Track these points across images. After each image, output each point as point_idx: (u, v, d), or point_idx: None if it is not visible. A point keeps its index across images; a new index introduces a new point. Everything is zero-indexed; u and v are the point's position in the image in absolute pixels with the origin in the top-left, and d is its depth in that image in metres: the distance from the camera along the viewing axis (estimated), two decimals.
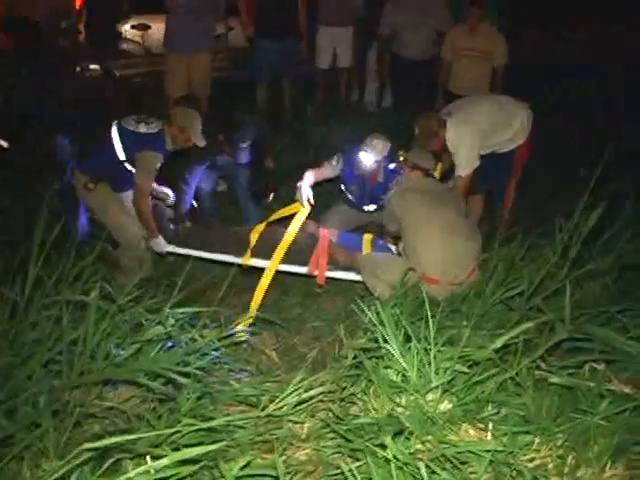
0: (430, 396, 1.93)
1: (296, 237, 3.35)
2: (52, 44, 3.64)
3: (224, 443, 1.60)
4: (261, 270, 3.19)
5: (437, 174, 3.39)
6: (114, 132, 3.06)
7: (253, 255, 3.27)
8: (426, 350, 2.02)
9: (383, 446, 1.64)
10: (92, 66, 4.23)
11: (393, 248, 3.36)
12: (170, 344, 2.21)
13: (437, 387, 1.92)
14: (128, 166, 3.08)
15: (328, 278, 3.26)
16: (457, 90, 4.48)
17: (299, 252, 3.31)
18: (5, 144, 3.75)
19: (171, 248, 3.29)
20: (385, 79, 5.68)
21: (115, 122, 3.10)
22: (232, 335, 2.48)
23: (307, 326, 3.15)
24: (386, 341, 2.08)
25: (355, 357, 2.17)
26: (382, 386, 1.99)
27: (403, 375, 2.01)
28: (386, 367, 2.05)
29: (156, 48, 5.81)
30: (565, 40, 7.68)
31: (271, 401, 1.96)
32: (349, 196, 3.55)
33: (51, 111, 3.52)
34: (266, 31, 4.99)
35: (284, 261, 3.25)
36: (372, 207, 3.58)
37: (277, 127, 4.85)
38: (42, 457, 1.78)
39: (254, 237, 3.35)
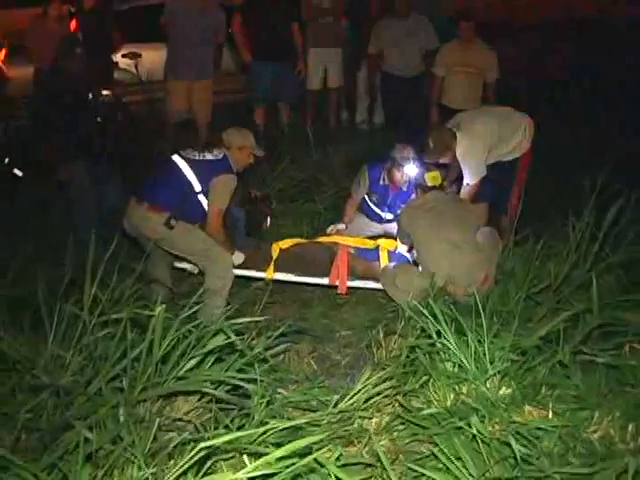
0: (489, 383, 2.08)
1: (314, 250, 3.49)
2: (67, 71, 3.65)
3: (327, 433, 1.69)
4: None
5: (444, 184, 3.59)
6: (182, 164, 3.07)
7: (277, 269, 3.38)
8: (480, 342, 2.17)
9: (459, 428, 1.78)
10: (104, 92, 4.29)
11: (409, 256, 3.53)
12: None
13: (495, 375, 2.07)
14: (201, 197, 3.09)
15: (349, 288, 3.40)
16: (451, 104, 4.71)
17: (318, 265, 3.45)
18: (20, 173, 3.78)
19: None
20: (375, 97, 5.91)
21: (175, 155, 3.12)
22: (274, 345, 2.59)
23: (336, 335, 3.26)
24: (440, 336, 2.23)
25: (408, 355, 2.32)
26: (441, 378, 2.13)
27: (459, 366, 2.16)
28: (443, 360, 2.20)
29: (147, 76, 5.91)
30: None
31: (341, 399, 2.07)
32: (370, 204, 3.73)
33: (73, 141, 3.55)
34: (262, 55, 5.12)
35: (303, 274, 3.38)
36: (389, 216, 3.76)
37: (275, 150, 5.02)
38: (131, 466, 1.85)
39: (276, 250, 3.47)
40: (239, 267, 3.36)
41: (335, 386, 2.50)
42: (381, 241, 3.69)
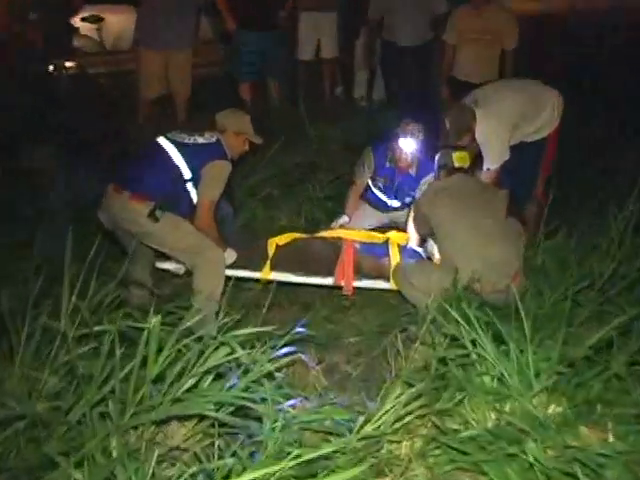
0: (535, 400, 2.02)
1: (315, 246, 3.41)
2: (21, 39, 3.50)
3: (375, 460, 1.62)
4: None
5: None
6: (169, 148, 2.98)
7: (273, 268, 3.30)
8: (521, 351, 2.11)
9: (510, 455, 1.72)
10: (68, 64, 4.13)
11: (421, 251, 3.47)
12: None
13: (542, 390, 2.01)
14: (190, 187, 3.00)
15: (356, 288, 3.33)
16: (463, 77, 4.60)
17: (320, 263, 3.37)
18: None
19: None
20: (375, 69, 5.81)
21: (161, 138, 3.02)
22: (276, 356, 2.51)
23: (344, 342, 3.19)
24: (475, 344, 2.17)
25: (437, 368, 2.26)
26: (479, 395, 2.07)
27: (499, 380, 2.10)
28: (480, 374, 2.13)
29: (112, 44, 5.75)
30: None
31: (366, 422, 2.00)
32: (375, 190, 3.67)
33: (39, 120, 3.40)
34: (249, 23, 5.00)
35: (303, 273, 3.30)
36: (396, 203, 3.69)
37: (264, 130, 4.93)
38: None
39: (272, 247, 3.38)
40: (230, 267, 3.27)
41: (349, 403, 2.44)
42: (391, 234, 3.62)
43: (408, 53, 5.23)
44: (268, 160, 4.45)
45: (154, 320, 2.00)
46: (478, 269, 2.84)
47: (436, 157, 3.36)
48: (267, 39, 5.11)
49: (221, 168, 3.00)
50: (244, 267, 3.31)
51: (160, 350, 2.06)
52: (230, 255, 3.23)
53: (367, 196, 3.88)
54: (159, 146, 2.99)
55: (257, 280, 3.33)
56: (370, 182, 3.77)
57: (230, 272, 3.26)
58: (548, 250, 3.08)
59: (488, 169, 3.58)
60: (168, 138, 3.02)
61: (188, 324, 2.19)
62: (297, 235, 3.55)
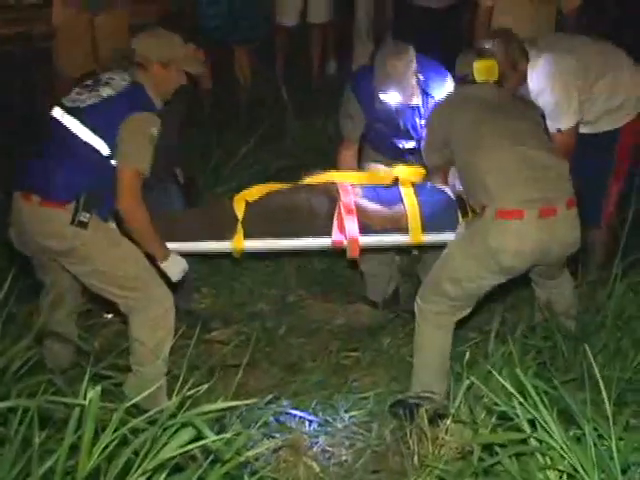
0: None
1: (300, 198, 3.43)
2: None
3: None
4: None
5: None
6: (68, 121, 2.90)
7: (247, 235, 3.28)
8: (600, 437, 2.11)
9: None
10: None
11: (447, 190, 3.46)
12: None
13: None
14: (114, 164, 2.93)
15: (362, 250, 3.32)
16: None
17: (309, 218, 3.38)
18: None
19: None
20: (383, 38, 5.85)
21: (56, 109, 2.94)
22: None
23: (344, 417, 3.16)
24: (534, 426, 2.16)
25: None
26: None
27: (571, 478, 2.09)
28: (543, 468, 2.12)
29: None
30: None
31: None
32: (375, 139, 3.72)
33: None
34: None
35: (290, 235, 3.32)
36: (411, 144, 3.68)
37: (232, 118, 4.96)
38: None
39: (240, 206, 3.34)
40: (189, 239, 3.25)
41: None
42: (399, 170, 3.56)
43: (430, 16, 5.28)
44: (241, 162, 4.50)
45: (90, 394, 1.96)
46: (516, 179, 2.84)
47: (455, 65, 3.34)
48: None
49: (139, 123, 2.90)
50: (206, 238, 3.29)
51: (96, 435, 2.02)
52: (175, 266, 3.14)
53: (371, 149, 3.86)
54: (57, 122, 2.93)
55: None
56: (367, 134, 3.77)
57: (188, 247, 3.26)
58: (627, 292, 3.11)
59: (559, 130, 3.50)
60: (65, 107, 2.94)
61: (136, 399, 2.14)
62: (273, 186, 3.51)
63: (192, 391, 2.33)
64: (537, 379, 2.38)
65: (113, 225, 3.11)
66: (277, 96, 5.10)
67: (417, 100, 3.56)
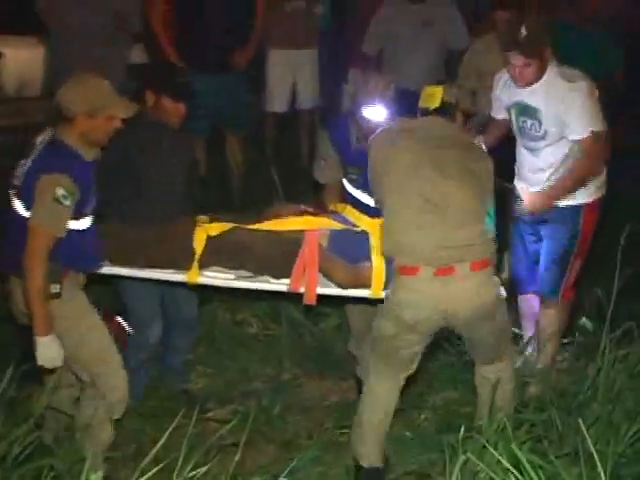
0: None
1: (264, 241, 3.36)
2: None
3: None
4: None
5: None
6: (11, 193, 2.97)
7: (201, 266, 3.28)
8: None
9: None
10: None
11: None
12: None
13: None
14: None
15: (320, 297, 3.30)
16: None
17: (270, 259, 3.34)
18: None
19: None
20: None
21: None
22: None
23: None
24: None
25: None
26: None
27: None
28: None
29: (16, 88, 5.85)
30: None
31: None
32: (350, 188, 3.60)
33: None
34: (205, 64, 4.96)
35: (246, 275, 3.31)
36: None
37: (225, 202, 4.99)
38: None
39: (200, 240, 3.31)
40: (145, 266, 3.27)
41: None
42: (367, 222, 3.37)
43: (415, 99, 5.35)
44: None
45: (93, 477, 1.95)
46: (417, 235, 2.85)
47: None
48: (226, 81, 5.15)
49: (45, 184, 2.83)
50: (162, 266, 3.30)
51: None
52: (50, 347, 2.88)
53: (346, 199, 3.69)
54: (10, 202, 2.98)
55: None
56: (344, 180, 3.65)
57: (144, 274, 3.28)
58: (619, 363, 3.11)
59: (592, 131, 3.38)
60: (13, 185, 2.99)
61: None
62: (236, 225, 3.40)
63: (192, 473, 2.32)
64: (532, 454, 2.36)
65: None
66: (267, 178, 5.11)
67: None
